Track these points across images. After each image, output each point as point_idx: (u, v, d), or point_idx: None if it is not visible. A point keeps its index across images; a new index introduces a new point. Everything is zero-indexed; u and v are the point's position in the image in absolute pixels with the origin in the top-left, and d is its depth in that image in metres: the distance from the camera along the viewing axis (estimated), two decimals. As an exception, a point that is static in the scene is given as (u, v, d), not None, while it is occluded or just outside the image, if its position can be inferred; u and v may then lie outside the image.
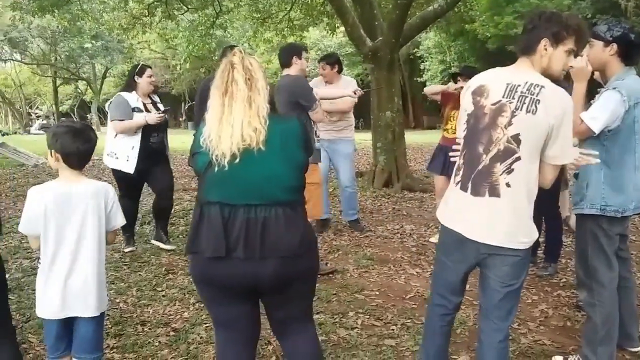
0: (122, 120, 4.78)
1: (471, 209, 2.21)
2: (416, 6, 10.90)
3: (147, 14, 13.50)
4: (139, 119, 4.77)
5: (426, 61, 28.58)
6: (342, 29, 10.89)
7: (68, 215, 2.31)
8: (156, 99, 5.17)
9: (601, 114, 2.59)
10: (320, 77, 5.76)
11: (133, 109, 4.80)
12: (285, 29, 14.20)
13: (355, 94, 5.08)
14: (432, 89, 5.76)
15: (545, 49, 2.16)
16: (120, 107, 4.80)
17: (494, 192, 2.15)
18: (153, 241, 5.32)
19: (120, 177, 4.96)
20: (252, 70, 1.96)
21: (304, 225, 2.07)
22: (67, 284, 2.31)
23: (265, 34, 14.75)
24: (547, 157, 2.16)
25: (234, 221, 1.95)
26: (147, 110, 4.89)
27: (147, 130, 4.83)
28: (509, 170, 2.13)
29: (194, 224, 2.02)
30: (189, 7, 13.32)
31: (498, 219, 2.16)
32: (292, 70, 4.32)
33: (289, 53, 4.43)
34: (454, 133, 5.08)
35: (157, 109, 5.03)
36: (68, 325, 2.38)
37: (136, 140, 4.80)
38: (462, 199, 2.24)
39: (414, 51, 28.24)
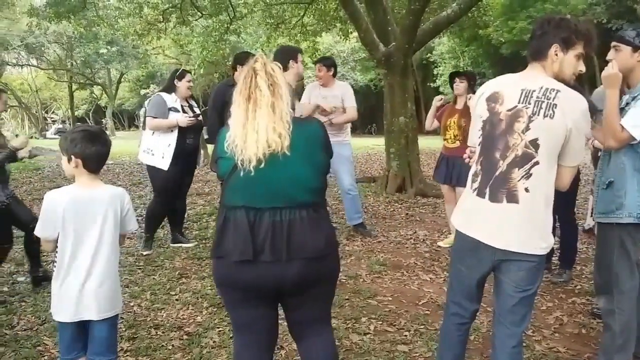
0: (155, 117, 4.99)
1: (489, 215, 2.20)
2: (430, 11, 10.90)
3: (161, 20, 13.65)
4: (171, 119, 4.98)
5: (439, 66, 28.52)
6: (356, 34, 10.90)
7: (86, 220, 2.33)
8: (193, 103, 5.36)
9: None
10: (316, 82, 5.74)
11: (170, 109, 5.02)
12: (299, 35, 14.24)
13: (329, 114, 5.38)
14: (429, 120, 5.50)
15: (556, 54, 2.17)
16: (156, 106, 5.04)
17: (512, 199, 2.15)
18: (172, 245, 5.41)
19: (155, 176, 5.12)
20: (275, 76, 1.97)
21: (328, 227, 2.11)
22: (84, 288, 2.33)
23: (278, 39, 14.82)
24: (565, 160, 2.17)
25: (260, 224, 1.97)
26: (184, 112, 5.10)
27: (183, 131, 5.02)
28: (528, 175, 2.13)
29: (219, 229, 2.04)
30: (204, 13, 13.44)
31: (517, 225, 2.15)
32: (289, 75, 4.24)
33: (285, 56, 4.39)
34: (453, 142, 5.10)
35: (193, 112, 5.22)
36: (83, 327, 2.40)
37: (173, 139, 5.00)
38: (480, 205, 2.23)
39: (427, 56, 28.21)
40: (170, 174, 5.01)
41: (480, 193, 2.23)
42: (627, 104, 2.67)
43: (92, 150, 2.32)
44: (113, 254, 2.41)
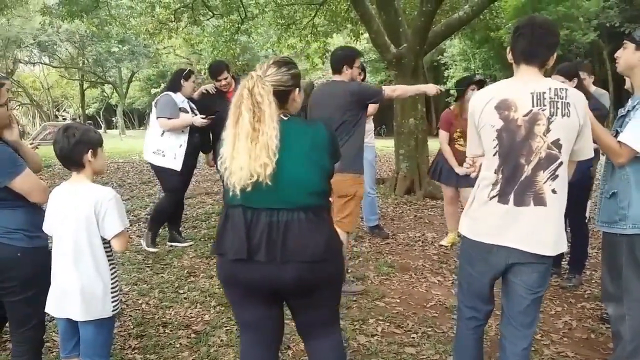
0: (170, 118, 4.96)
1: (516, 219, 2.19)
2: (441, 13, 10.86)
3: (173, 20, 13.69)
4: (187, 118, 4.99)
5: (450, 68, 28.41)
6: (367, 35, 10.87)
7: (59, 215, 2.34)
8: (192, 104, 5.30)
9: None
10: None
11: (180, 109, 5.02)
12: (309, 35, 14.22)
13: None
14: (445, 149, 5.33)
15: (554, 57, 2.26)
16: (168, 106, 5.01)
17: (540, 201, 2.16)
18: (169, 243, 5.43)
19: (166, 177, 5.11)
20: (261, 102, 1.90)
21: (329, 230, 2.06)
22: (62, 285, 2.32)
23: (289, 39, 14.81)
24: (573, 156, 2.22)
25: (256, 224, 1.96)
26: (192, 112, 5.11)
27: (191, 130, 5.06)
28: (554, 177, 2.15)
29: (220, 226, 2.05)
30: (215, 12, 13.47)
31: (545, 228, 2.17)
32: (344, 77, 3.98)
33: (340, 60, 4.01)
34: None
35: (194, 114, 5.17)
36: (74, 326, 2.39)
37: (184, 139, 5.02)
38: (504, 211, 2.21)
39: (438, 58, 28.03)
40: (181, 174, 5.03)
41: (503, 199, 2.21)
42: (629, 111, 2.59)
43: (54, 148, 2.36)
44: (91, 256, 2.32)
